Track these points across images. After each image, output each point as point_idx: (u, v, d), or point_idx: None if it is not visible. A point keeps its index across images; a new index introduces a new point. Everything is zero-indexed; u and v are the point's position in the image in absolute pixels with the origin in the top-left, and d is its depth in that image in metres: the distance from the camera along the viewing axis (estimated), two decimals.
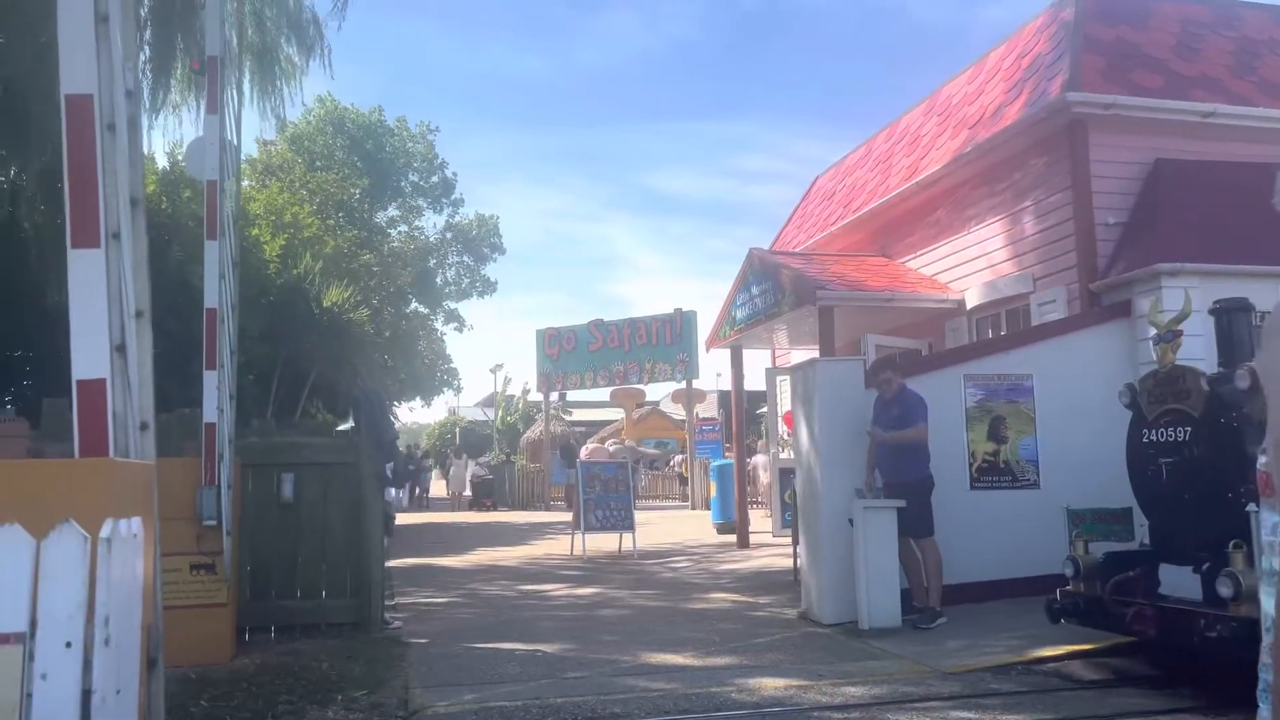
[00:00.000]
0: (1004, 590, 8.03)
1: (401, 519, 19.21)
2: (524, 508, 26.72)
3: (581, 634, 7.56)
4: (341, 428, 9.70)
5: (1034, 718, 5.10)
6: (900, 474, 7.59)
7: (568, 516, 16.29)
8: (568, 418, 38.36)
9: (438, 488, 33.66)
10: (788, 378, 13.16)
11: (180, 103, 11.10)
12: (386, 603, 8.43)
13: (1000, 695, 5.54)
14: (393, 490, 15.57)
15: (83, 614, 2.17)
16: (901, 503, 7.45)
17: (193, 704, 5.36)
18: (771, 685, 5.77)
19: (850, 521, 7.55)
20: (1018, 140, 10.47)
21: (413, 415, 45.62)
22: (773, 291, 12.39)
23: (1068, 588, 6.20)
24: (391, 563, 11.03)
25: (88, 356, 2.82)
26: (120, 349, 2.86)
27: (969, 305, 11.71)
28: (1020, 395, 8.64)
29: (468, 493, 28.00)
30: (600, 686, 5.82)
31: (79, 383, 2.81)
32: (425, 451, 37.30)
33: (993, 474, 8.50)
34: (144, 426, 2.99)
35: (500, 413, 41.74)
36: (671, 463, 33.22)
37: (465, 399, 48.71)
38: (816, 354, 11.41)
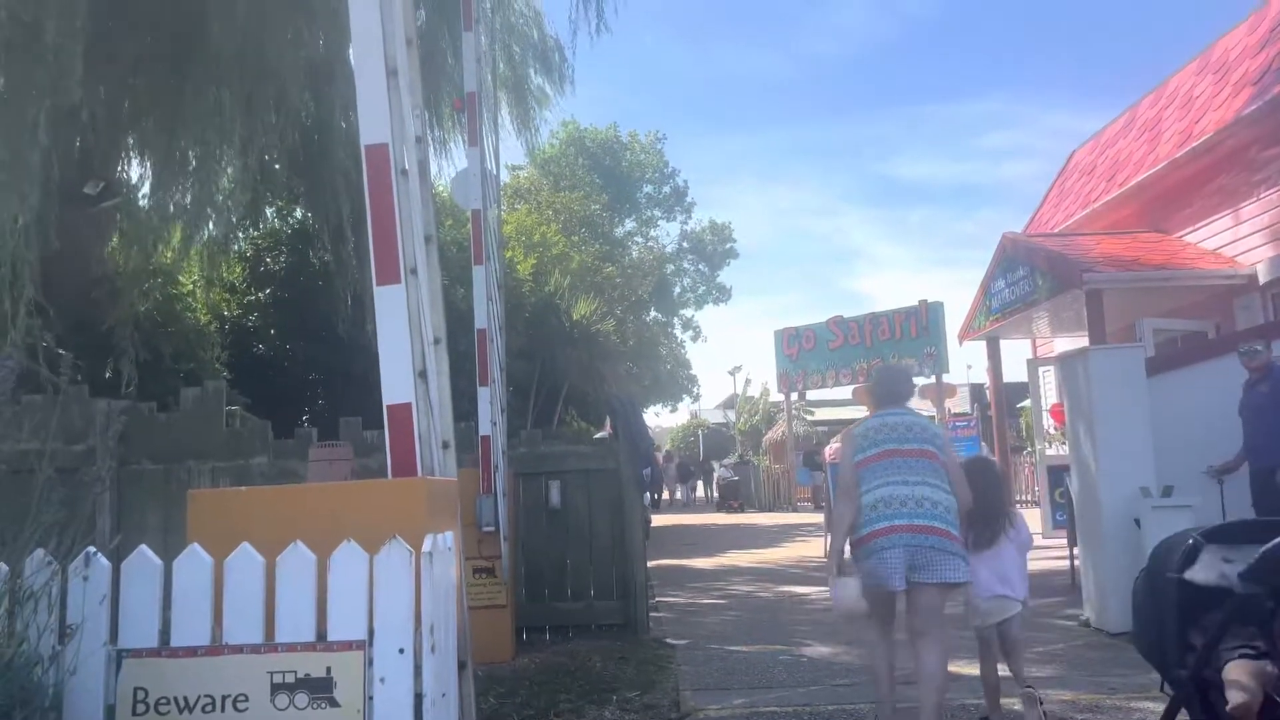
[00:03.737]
0: None
1: (653, 521, 19.70)
2: (769, 509, 26.65)
3: (845, 639, 7.42)
4: (598, 435, 10.07)
5: None
6: (1274, 456, 6.83)
7: (816, 518, 16.09)
8: (809, 417, 37.91)
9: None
10: (1052, 369, 12.36)
11: (445, 139, 11.97)
12: (649, 602, 8.65)
13: None
14: (648, 494, 16.01)
15: (411, 623, 2.37)
16: (1192, 503, 6.80)
17: (482, 701, 5.70)
18: (1058, 698, 5.41)
19: (1136, 522, 6.97)
20: None
21: (658, 420, 46.74)
22: (1031, 277, 11.68)
23: None
24: (649, 564, 11.33)
25: (395, 383, 3.06)
26: (422, 375, 3.09)
27: (1262, 280, 10.53)
28: None
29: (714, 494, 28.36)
30: (872, 695, 5.67)
31: (389, 407, 3.06)
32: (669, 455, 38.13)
33: None
34: (445, 445, 3.23)
35: (741, 415, 41.87)
36: None
37: (705, 402, 49.37)
38: (1083, 342, 10.63)
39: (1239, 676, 2.29)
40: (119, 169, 10.49)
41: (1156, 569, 3.11)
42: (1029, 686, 4.79)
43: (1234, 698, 2.28)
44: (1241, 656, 2.35)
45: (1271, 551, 2.49)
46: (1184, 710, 2.81)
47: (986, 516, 4.88)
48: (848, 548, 4.70)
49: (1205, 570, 2.77)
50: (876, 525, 4.48)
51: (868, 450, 4.71)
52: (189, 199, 10.30)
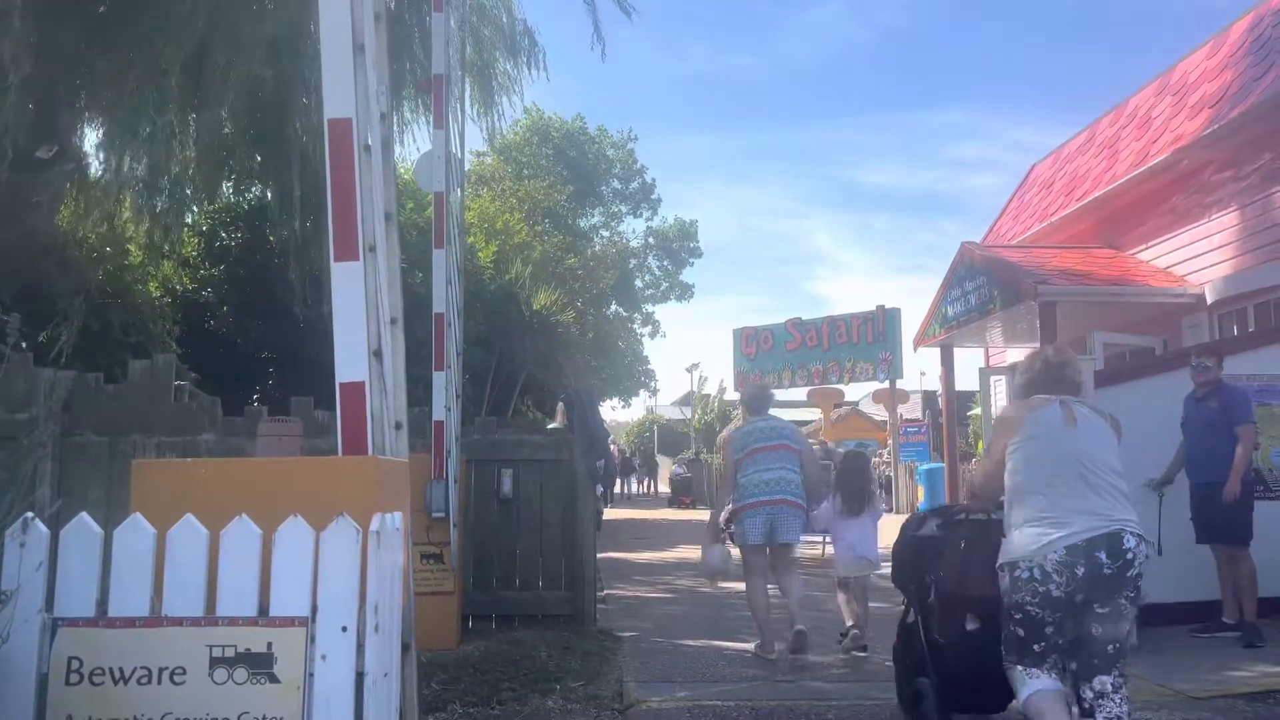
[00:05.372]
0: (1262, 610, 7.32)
1: (604, 514, 19.69)
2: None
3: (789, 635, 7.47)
4: (552, 425, 10.04)
5: None
6: (1217, 473, 6.81)
7: None
8: None
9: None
10: (1003, 378, 12.56)
11: (407, 123, 11.83)
12: (597, 594, 8.65)
13: None
14: (600, 486, 16.02)
15: (355, 601, 2.35)
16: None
17: (425, 686, 5.66)
18: None
19: None
20: (1271, 117, 9.53)
21: (614, 414, 46.78)
22: (987, 287, 11.85)
23: None
24: (599, 556, 11.33)
25: (349, 361, 3.02)
26: (377, 354, 3.06)
27: (1210, 299, 10.78)
28: (1274, 398, 7.87)
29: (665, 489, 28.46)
30: (813, 691, 5.75)
31: (341, 385, 3.02)
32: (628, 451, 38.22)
33: None
34: (398, 426, 3.20)
35: (697, 412, 42.04)
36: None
37: (662, 398, 49.42)
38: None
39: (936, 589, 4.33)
40: (74, 135, 10.23)
41: (905, 530, 4.90)
42: (857, 629, 6.80)
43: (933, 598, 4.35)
44: (941, 577, 4.31)
45: (949, 519, 4.57)
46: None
47: (857, 495, 7.03)
48: (723, 518, 7.05)
49: (925, 530, 4.65)
50: (748, 500, 6.65)
51: (743, 449, 6.79)
52: (143, 168, 10.09)
